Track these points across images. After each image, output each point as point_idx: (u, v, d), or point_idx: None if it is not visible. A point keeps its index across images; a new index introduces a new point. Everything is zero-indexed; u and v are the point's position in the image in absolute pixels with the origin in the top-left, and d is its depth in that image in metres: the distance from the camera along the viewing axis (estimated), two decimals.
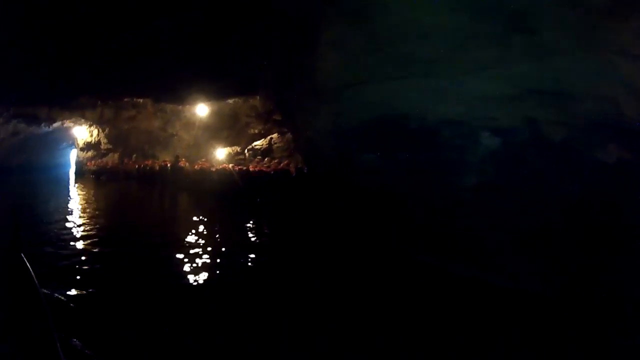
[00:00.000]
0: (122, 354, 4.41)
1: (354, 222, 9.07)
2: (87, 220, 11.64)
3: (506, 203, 6.45)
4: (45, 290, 4.63)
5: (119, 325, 4.97)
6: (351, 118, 8.27)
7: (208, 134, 21.88)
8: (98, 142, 28.87)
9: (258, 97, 17.61)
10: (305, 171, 13.74)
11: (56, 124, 26.34)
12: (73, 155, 33.52)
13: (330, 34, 8.20)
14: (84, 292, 5.92)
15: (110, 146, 27.97)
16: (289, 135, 17.47)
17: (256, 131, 20.30)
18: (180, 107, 22.21)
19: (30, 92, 18.86)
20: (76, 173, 29.52)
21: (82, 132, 29.80)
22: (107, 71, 15.88)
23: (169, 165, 22.62)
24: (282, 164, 17.64)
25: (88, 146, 29.59)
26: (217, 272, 7.28)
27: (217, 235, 10.36)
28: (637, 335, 5.01)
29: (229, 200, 16.18)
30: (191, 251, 8.30)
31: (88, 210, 13.80)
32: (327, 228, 9.99)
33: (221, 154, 21.01)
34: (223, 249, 8.77)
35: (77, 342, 4.36)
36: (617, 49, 5.49)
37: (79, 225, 10.84)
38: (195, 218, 12.26)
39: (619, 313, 5.44)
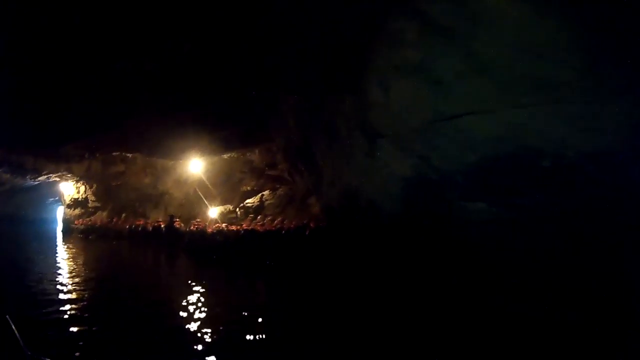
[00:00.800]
0: None
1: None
2: (81, 288, 10.10)
3: None
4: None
5: None
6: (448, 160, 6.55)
7: (201, 192, 20.78)
8: (85, 199, 27.46)
9: (257, 150, 18.05)
10: (323, 226, 11.52)
11: (42, 177, 25.12)
12: (60, 212, 32.61)
13: (404, 55, 6.15)
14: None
15: (98, 204, 26.65)
16: (280, 191, 17.34)
17: (249, 188, 19.65)
18: (171, 162, 21.31)
19: (14, 136, 17.34)
20: (63, 231, 28.19)
21: (69, 188, 28.42)
22: (93, 115, 14.10)
23: (162, 226, 21.57)
24: (275, 222, 16.42)
25: (75, 203, 28.26)
26: None
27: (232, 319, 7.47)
28: None
29: (234, 263, 14.19)
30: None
31: (82, 275, 11.97)
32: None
33: (213, 212, 19.81)
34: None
35: None
36: None
37: (69, 292, 9.45)
38: (201, 289, 9.59)
39: None
